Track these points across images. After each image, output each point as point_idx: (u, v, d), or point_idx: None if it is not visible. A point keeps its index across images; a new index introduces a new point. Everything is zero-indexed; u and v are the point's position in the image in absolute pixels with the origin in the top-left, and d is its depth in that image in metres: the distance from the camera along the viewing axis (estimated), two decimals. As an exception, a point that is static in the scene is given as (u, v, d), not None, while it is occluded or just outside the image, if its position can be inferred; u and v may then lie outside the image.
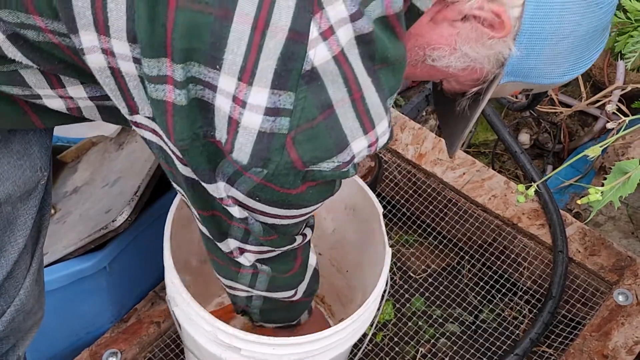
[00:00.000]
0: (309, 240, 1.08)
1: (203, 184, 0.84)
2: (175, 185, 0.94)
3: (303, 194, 0.83)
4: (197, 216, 0.96)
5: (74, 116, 0.95)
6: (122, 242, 1.42)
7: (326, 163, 0.79)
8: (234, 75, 0.74)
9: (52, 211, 1.59)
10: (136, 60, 0.77)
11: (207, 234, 0.97)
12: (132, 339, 1.49)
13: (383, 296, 1.36)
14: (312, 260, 1.15)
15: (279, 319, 1.22)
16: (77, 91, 0.89)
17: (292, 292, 1.12)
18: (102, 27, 0.75)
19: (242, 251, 0.98)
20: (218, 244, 0.98)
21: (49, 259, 1.40)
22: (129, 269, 1.49)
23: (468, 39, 0.86)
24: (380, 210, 1.31)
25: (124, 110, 0.83)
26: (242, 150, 0.77)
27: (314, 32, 0.73)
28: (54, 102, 0.91)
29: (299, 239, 1.02)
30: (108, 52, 0.77)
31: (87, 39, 0.77)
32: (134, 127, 0.86)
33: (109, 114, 0.93)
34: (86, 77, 0.84)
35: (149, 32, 0.73)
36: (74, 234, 1.43)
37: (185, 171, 0.85)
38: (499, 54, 0.87)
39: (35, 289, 1.11)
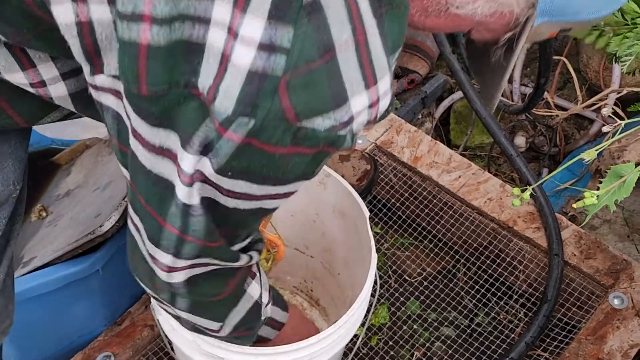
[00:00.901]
0: (251, 268, 0.99)
1: (163, 160, 0.75)
2: (122, 167, 0.84)
3: (287, 158, 0.73)
4: (134, 206, 0.84)
5: (52, 105, 0.90)
6: (115, 245, 1.42)
7: (321, 119, 0.70)
8: (228, 2, 0.66)
9: (44, 214, 1.59)
10: (111, 2, 0.70)
11: (144, 228, 0.85)
12: (125, 342, 1.48)
13: (372, 300, 1.36)
14: (255, 291, 1.04)
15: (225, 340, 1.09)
16: (48, 70, 0.84)
17: (217, 325, 1.00)
18: None
19: (170, 270, 0.87)
20: (152, 246, 0.85)
21: (37, 263, 1.39)
22: (122, 272, 1.48)
23: None
24: (367, 214, 1.30)
25: (87, 70, 0.76)
26: (228, 95, 0.68)
27: None
28: (26, 87, 0.86)
29: (243, 258, 0.92)
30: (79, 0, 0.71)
31: None
32: (92, 93, 0.79)
33: (83, 102, 0.88)
34: (54, 44, 0.78)
35: None
36: (64, 237, 1.42)
37: (137, 146, 0.76)
38: None
39: (1, 299, 1.08)
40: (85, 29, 0.73)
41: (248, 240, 0.93)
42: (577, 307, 1.58)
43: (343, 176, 1.38)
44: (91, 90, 0.79)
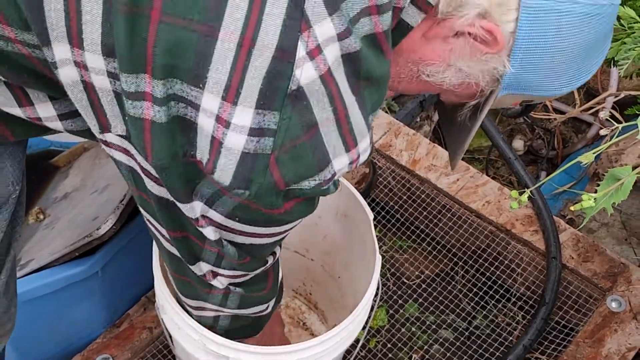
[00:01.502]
0: (278, 258, 1.07)
1: (178, 204, 0.82)
2: (142, 210, 0.92)
3: (284, 212, 0.82)
4: (167, 237, 0.93)
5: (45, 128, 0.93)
6: (114, 247, 1.42)
7: (307, 181, 0.78)
8: (217, 94, 0.72)
9: (42, 216, 1.59)
10: (111, 75, 0.75)
11: (178, 254, 0.95)
12: (124, 344, 1.48)
13: (374, 303, 1.36)
14: (280, 273, 1.14)
15: (244, 334, 1.18)
16: (45, 109, 0.87)
17: (264, 306, 1.10)
18: (75, 39, 0.73)
19: (215, 275, 0.96)
20: (190, 266, 0.95)
21: (34, 265, 1.39)
22: (121, 274, 1.49)
23: (462, 55, 0.84)
24: (371, 216, 1.30)
25: (95, 128, 0.81)
26: (225, 172, 0.75)
27: (301, 50, 0.71)
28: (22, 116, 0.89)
29: (270, 259, 1.01)
30: (81, 66, 0.75)
31: (60, 51, 0.75)
32: (103, 147, 0.84)
33: (82, 136, 0.92)
34: (56, 90, 0.82)
35: (128, 47, 0.71)
36: (61, 240, 1.42)
37: (158, 191, 0.83)
38: (493, 70, 0.85)
39: (4, 301, 1.09)
40: (90, 87, 0.77)
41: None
42: (574, 310, 1.58)
43: (342, 179, 1.38)
44: (102, 145, 0.84)
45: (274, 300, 1.12)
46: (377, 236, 1.73)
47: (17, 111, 0.87)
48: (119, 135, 0.80)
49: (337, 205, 1.40)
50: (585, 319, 1.55)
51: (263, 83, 0.71)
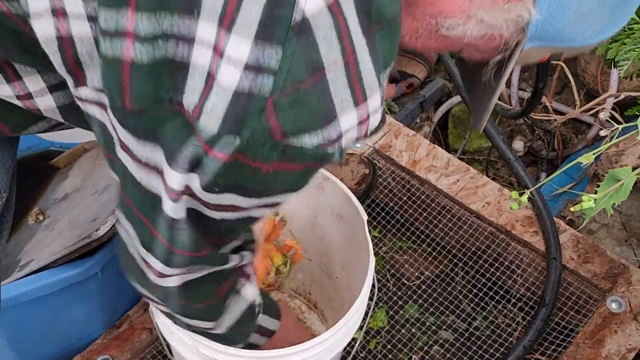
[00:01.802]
0: (244, 269, 0.97)
1: (165, 168, 0.73)
2: (113, 173, 0.84)
3: (274, 174, 0.72)
4: (132, 216, 0.83)
5: (40, 115, 0.89)
6: (113, 248, 1.42)
7: (309, 136, 0.69)
8: (213, 21, 0.65)
9: (42, 217, 1.59)
10: (91, 19, 0.69)
11: (133, 233, 0.84)
12: (124, 345, 1.48)
13: (370, 303, 1.36)
14: (249, 294, 1.01)
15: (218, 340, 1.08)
16: (34, 82, 0.83)
17: (211, 324, 0.99)
18: None
19: (162, 276, 0.86)
20: (140, 250, 0.84)
21: (34, 266, 1.39)
22: (120, 275, 1.48)
23: (483, 4, 0.76)
24: (365, 217, 1.30)
25: (70, 82, 0.76)
26: (213, 114, 0.67)
27: None
28: (12, 100, 0.85)
29: (234, 258, 0.90)
30: (59, 13, 0.70)
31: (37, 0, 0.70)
32: (78, 103, 0.78)
33: (72, 115, 0.87)
34: (39, 61, 0.77)
35: None
36: (61, 241, 1.42)
37: (126, 158, 0.76)
38: (518, 18, 0.77)
39: None
40: (66, 44, 0.72)
41: (238, 243, 0.92)
42: (574, 311, 1.58)
43: (342, 180, 1.38)
44: (77, 101, 0.79)
45: (227, 320, 1.00)
46: (377, 237, 1.74)
47: (6, 89, 0.84)
48: (96, 89, 0.75)
49: (332, 206, 1.40)
50: (585, 320, 1.54)
51: (263, 10, 0.64)
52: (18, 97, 0.85)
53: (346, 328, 1.20)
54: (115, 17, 0.67)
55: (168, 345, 1.29)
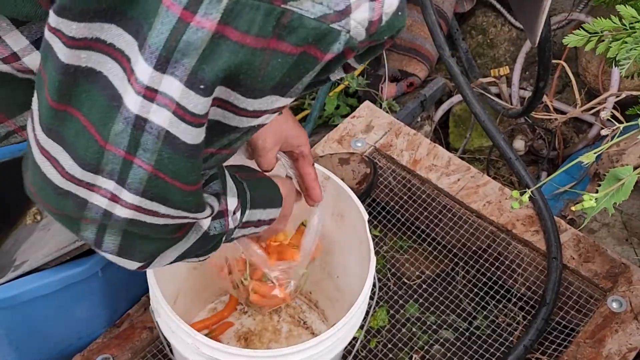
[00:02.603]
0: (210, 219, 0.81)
1: (127, 49, 0.60)
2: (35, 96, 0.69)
3: (267, 54, 0.58)
4: (52, 110, 0.67)
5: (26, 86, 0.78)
6: (114, 247, 1.42)
7: (311, 2, 0.57)
8: None
9: (39, 217, 1.59)
10: None
11: (65, 152, 0.68)
12: (124, 344, 1.48)
13: (371, 302, 1.36)
14: (205, 222, 0.84)
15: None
16: (16, 40, 0.76)
17: (139, 265, 0.85)
18: None
19: (114, 199, 0.69)
20: (79, 173, 0.68)
21: (26, 268, 1.38)
22: (121, 274, 1.47)
23: None
24: (366, 217, 1.30)
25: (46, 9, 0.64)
26: None
27: None
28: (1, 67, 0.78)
29: (207, 210, 0.76)
30: None
31: None
32: (46, 34, 0.66)
33: None
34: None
35: None
36: (54, 243, 1.41)
37: (56, 42, 0.63)
38: None
39: None
40: None
41: (215, 187, 0.79)
42: (575, 311, 1.58)
43: (342, 179, 1.38)
44: (46, 32, 0.65)
45: (166, 259, 0.84)
46: (377, 236, 1.74)
47: None
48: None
49: (332, 205, 1.40)
50: (585, 320, 1.54)
51: None
52: (4, 61, 0.77)
53: (347, 327, 1.20)
54: None
55: (169, 345, 1.29)
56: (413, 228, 1.76)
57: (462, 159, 1.96)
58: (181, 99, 0.61)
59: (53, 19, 0.64)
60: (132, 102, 0.62)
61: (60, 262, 1.37)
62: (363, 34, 0.60)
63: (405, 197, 1.77)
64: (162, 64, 0.58)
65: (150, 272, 1.18)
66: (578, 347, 1.48)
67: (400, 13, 0.62)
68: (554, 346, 1.54)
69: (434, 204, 1.75)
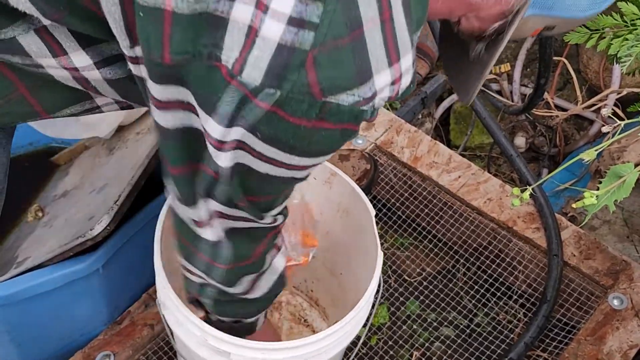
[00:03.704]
0: (278, 233, 1.01)
1: (202, 115, 0.75)
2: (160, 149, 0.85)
3: (313, 131, 0.74)
4: (171, 178, 0.86)
5: (77, 92, 0.90)
6: (115, 244, 1.42)
7: (345, 95, 0.72)
8: None
9: (41, 214, 1.59)
10: None
11: (178, 195, 0.87)
12: (125, 341, 1.48)
13: (375, 300, 1.36)
14: (280, 263, 1.08)
15: (234, 313, 1.14)
16: (80, 59, 0.85)
17: (248, 285, 1.05)
18: None
19: (210, 215, 0.89)
20: (189, 209, 0.88)
21: (29, 264, 1.38)
22: (122, 271, 1.49)
23: None
24: (373, 213, 1.30)
25: (125, 44, 0.77)
26: (256, 66, 0.69)
27: None
28: (58, 72, 0.87)
29: (267, 219, 0.94)
30: None
31: None
32: (132, 67, 0.80)
33: (121, 88, 0.89)
34: (89, 25, 0.79)
35: None
36: (57, 239, 1.41)
37: (152, 110, 0.78)
38: None
39: None
40: None
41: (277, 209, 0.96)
42: (576, 308, 1.58)
43: (342, 175, 1.38)
44: (131, 65, 0.80)
45: (264, 283, 1.06)
46: (378, 233, 1.74)
47: (52, 62, 0.85)
48: None
49: (338, 202, 1.40)
50: (586, 317, 1.54)
51: None
52: (65, 69, 0.87)
53: (353, 323, 1.20)
54: None
55: (173, 337, 1.29)
56: (414, 225, 1.75)
57: (463, 156, 1.96)
58: (242, 139, 0.77)
59: (149, 84, 0.77)
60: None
61: (64, 258, 1.37)
62: (383, 105, 0.77)
63: (406, 195, 1.77)
64: (230, 122, 0.74)
65: (158, 265, 1.18)
66: (579, 344, 1.48)
67: (411, 86, 0.77)
68: (554, 343, 1.54)
69: (434, 201, 1.75)
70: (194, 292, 1.08)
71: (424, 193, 1.76)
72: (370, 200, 1.75)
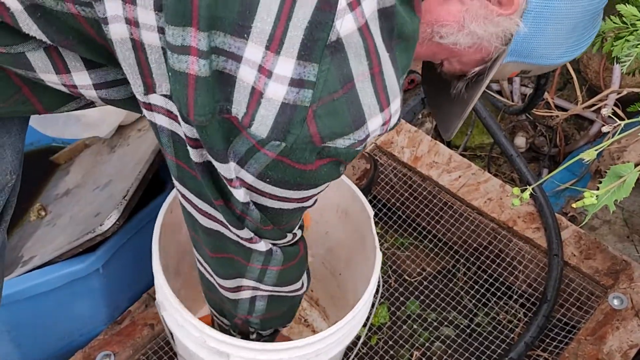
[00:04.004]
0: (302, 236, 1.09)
1: (216, 163, 0.83)
2: (178, 183, 0.92)
3: (316, 171, 0.82)
4: (205, 210, 0.93)
5: (75, 97, 0.94)
6: (115, 244, 1.42)
7: (342, 140, 0.79)
8: (261, 44, 0.73)
9: (43, 213, 1.59)
10: (160, 30, 0.76)
11: (226, 222, 0.94)
12: (125, 341, 1.48)
13: (375, 300, 1.36)
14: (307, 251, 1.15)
15: (278, 322, 1.19)
16: (81, 78, 0.89)
17: (299, 284, 1.11)
18: None
19: (251, 241, 0.97)
20: (238, 231, 0.95)
21: (37, 262, 1.39)
22: (122, 271, 1.49)
23: (476, 16, 0.87)
24: (371, 213, 1.30)
25: (139, 90, 0.82)
26: (263, 123, 0.76)
27: (342, 2, 0.73)
28: (56, 85, 0.90)
29: (289, 236, 1.01)
30: (132, 22, 0.77)
31: (112, 6, 0.76)
32: (145, 112, 0.85)
33: (113, 103, 0.93)
34: (98, 53, 0.83)
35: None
36: (64, 237, 1.42)
37: (198, 156, 0.84)
38: (506, 31, 0.88)
39: None
40: (139, 45, 0.78)
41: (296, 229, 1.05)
42: (576, 308, 1.58)
43: (343, 176, 1.38)
44: (144, 111, 0.85)
45: (305, 276, 1.13)
46: (378, 233, 1.74)
47: (53, 78, 0.89)
48: (164, 95, 0.81)
49: (337, 202, 1.40)
50: (587, 317, 1.54)
51: (305, 34, 0.73)
52: (64, 85, 0.91)
53: (353, 322, 1.20)
54: (181, 34, 0.74)
55: (173, 338, 1.29)
56: (414, 225, 1.75)
57: (463, 156, 1.96)
58: (252, 184, 0.86)
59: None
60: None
61: (73, 254, 1.38)
62: (373, 139, 0.85)
63: (406, 194, 1.77)
64: (240, 163, 0.82)
65: (157, 266, 1.18)
66: (579, 344, 1.48)
67: (397, 122, 0.84)
68: (554, 343, 1.54)
69: (435, 201, 1.75)
70: (242, 314, 1.11)
71: (424, 193, 1.76)
72: (370, 200, 1.76)
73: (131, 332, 1.50)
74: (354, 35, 0.75)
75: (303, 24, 0.72)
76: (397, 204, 1.78)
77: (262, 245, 0.98)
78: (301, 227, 1.06)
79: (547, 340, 1.55)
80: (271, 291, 1.07)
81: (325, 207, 1.43)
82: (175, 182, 0.93)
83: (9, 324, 1.42)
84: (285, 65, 0.74)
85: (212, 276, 1.07)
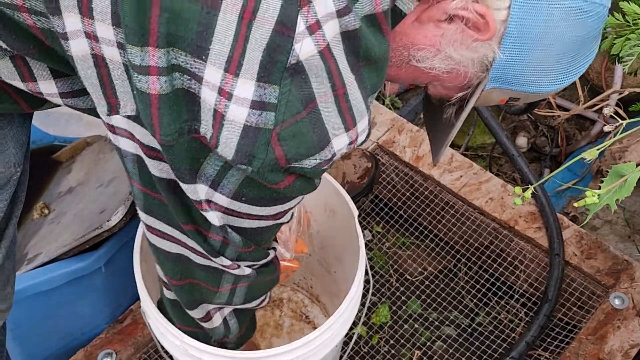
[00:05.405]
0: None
1: (181, 184, 0.82)
2: (144, 214, 0.91)
3: (290, 185, 0.82)
4: (175, 235, 0.92)
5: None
6: (117, 243, 1.42)
7: (308, 160, 0.78)
8: (220, 67, 0.73)
9: (47, 211, 1.59)
10: (120, 46, 0.75)
11: (201, 250, 0.93)
12: (127, 339, 1.49)
13: (372, 298, 1.36)
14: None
15: (251, 331, 1.20)
16: (48, 86, 0.88)
17: (265, 296, 1.11)
18: (85, 8, 0.74)
19: (235, 264, 0.96)
20: (213, 259, 0.94)
21: (43, 259, 1.39)
22: (124, 270, 1.49)
23: (452, 41, 0.85)
24: (356, 212, 1.31)
25: (102, 109, 0.80)
26: (227, 145, 0.76)
27: (300, 25, 0.72)
28: (24, 90, 0.89)
29: (271, 252, 1.01)
30: (92, 37, 0.75)
31: (71, 21, 0.75)
32: (109, 135, 0.84)
33: (78, 110, 0.92)
34: (59, 63, 0.82)
35: (133, 17, 0.71)
36: (68, 234, 1.42)
37: (157, 170, 0.83)
38: (483, 57, 0.86)
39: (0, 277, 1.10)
40: (100, 60, 0.77)
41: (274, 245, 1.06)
42: (577, 307, 1.58)
43: (344, 174, 1.38)
44: (109, 134, 0.84)
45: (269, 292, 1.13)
46: (380, 233, 1.74)
47: (20, 85, 0.88)
48: (127, 117, 0.79)
49: (324, 202, 1.40)
50: (588, 316, 1.54)
51: (263, 56, 0.72)
52: (30, 92, 0.90)
53: (340, 320, 1.19)
54: (140, 54, 0.73)
55: (163, 347, 1.29)
56: (415, 224, 1.76)
57: (465, 155, 1.96)
58: (229, 207, 0.85)
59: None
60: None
61: (79, 251, 1.38)
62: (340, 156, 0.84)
63: (407, 194, 1.77)
64: (213, 186, 0.82)
65: (138, 275, 1.18)
66: (580, 343, 1.48)
67: (365, 140, 0.83)
68: (556, 342, 1.54)
69: (436, 200, 1.75)
70: (218, 338, 1.11)
71: (426, 192, 1.76)
72: (372, 199, 1.76)
73: (133, 331, 1.50)
74: (314, 58, 0.74)
75: (261, 46, 0.72)
76: (399, 204, 1.78)
77: (241, 270, 0.97)
78: (274, 247, 1.06)
79: (548, 340, 1.55)
80: (240, 308, 1.07)
81: (313, 205, 1.43)
82: (142, 215, 0.91)
83: (12, 322, 1.43)
84: (245, 87, 0.73)
85: (183, 306, 1.05)
